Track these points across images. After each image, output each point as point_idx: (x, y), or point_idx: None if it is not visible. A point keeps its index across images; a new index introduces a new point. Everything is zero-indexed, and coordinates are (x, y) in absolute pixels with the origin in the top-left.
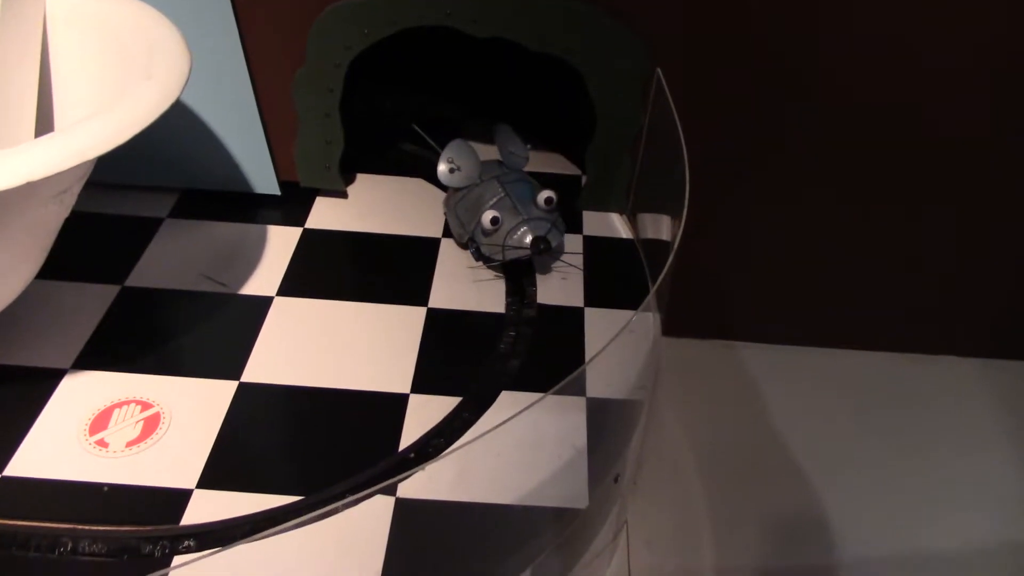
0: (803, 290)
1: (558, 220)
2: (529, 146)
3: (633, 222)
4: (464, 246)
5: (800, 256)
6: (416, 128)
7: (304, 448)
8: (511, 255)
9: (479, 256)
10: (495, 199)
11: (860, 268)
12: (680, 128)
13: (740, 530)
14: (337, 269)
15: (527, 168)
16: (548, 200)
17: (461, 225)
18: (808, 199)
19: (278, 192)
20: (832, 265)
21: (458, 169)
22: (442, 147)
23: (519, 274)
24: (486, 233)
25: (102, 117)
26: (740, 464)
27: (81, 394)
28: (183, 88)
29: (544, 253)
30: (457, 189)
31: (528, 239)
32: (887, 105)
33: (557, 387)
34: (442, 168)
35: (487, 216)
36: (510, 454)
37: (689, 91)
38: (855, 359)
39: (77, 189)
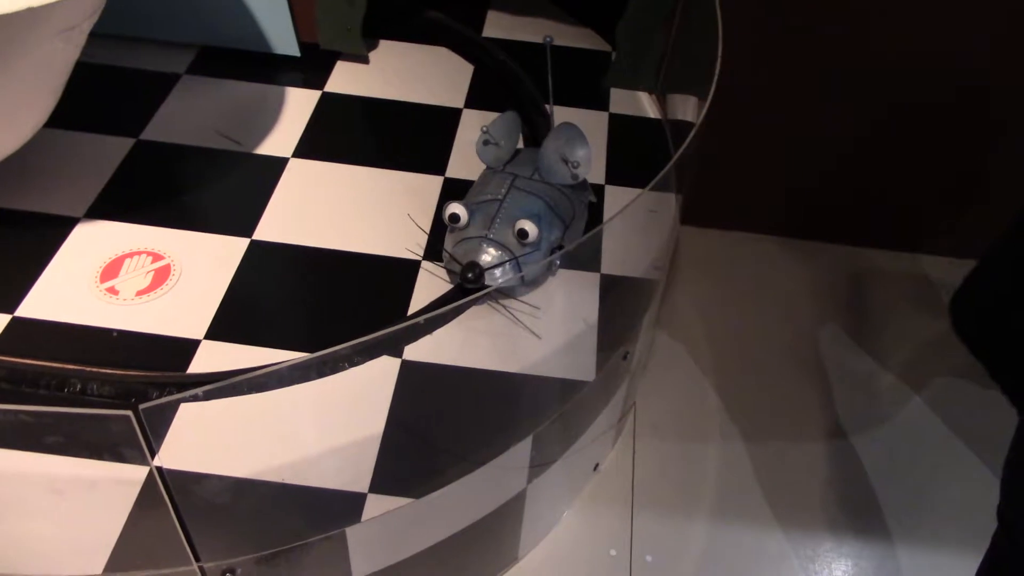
0: (830, 186)
1: (528, 258)
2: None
3: (662, 102)
4: None
5: (828, 151)
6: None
7: (313, 307)
8: (449, 265)
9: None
10: (487, 197)
11: (890, 167)
12: (717, 4)
13: (748, 420)
14: (355, 134)
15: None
16: (521, 233)
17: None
18: (843, 92)
19: (298, 53)
20: (861, 162)
21: (494, 144)
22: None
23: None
24: (447, 228)
25: None
26: (753, 355)
27: (93, 242)
28: None
29: (470, 284)
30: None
31: (466, 261)
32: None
33: (566, 248)
34: (478, 138)
35: (448, 209)
36: (517, 326)
37: None
38: (880, 258)
39: (86, 28)
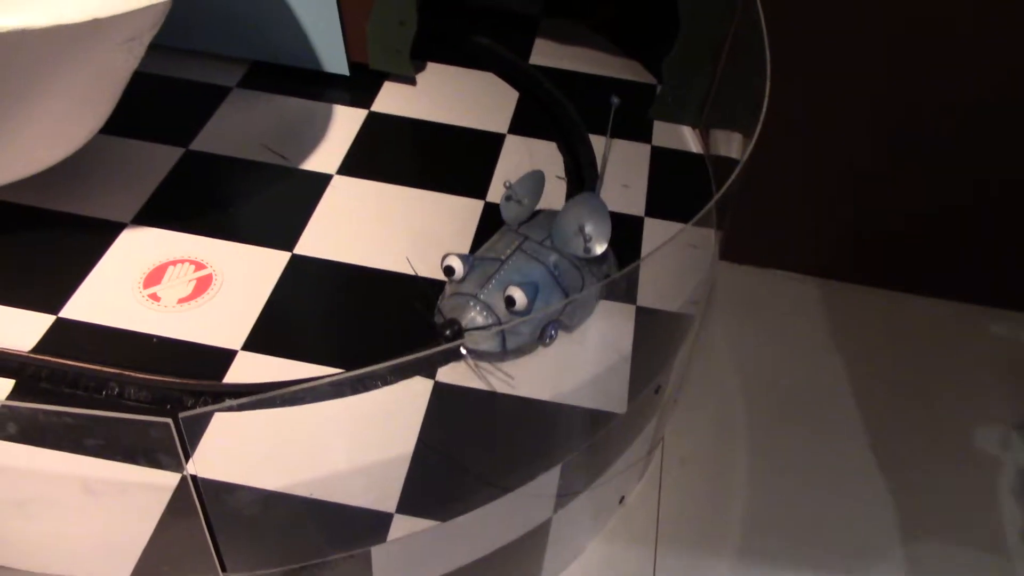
0: (871, 229)
1: (515, 328)
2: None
3: (705, 137)
4: None
5: (876, 190)
6: None
7: (350, 324)
8: (436, 317)
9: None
10: (491, 255)
11: (931, 215)
12: (767, 42)
13: (778, 461)
14: (399, 154)
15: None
16: (508, 300)
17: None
18: (895, 125)
19: (347, 72)
20: (902, 209)
21: (516, 202)
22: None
23: (579, 176)
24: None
25: None
26: (786, 397)
27: (138, 248)
28: None
29: (447, 341)
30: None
31: (449, 316)
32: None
33: (604, 282)
34: (503, 193)
35: (444, 261)
36: (553, 353)
37: (782, 3)
38: (920, 305)
39: (147, 40)
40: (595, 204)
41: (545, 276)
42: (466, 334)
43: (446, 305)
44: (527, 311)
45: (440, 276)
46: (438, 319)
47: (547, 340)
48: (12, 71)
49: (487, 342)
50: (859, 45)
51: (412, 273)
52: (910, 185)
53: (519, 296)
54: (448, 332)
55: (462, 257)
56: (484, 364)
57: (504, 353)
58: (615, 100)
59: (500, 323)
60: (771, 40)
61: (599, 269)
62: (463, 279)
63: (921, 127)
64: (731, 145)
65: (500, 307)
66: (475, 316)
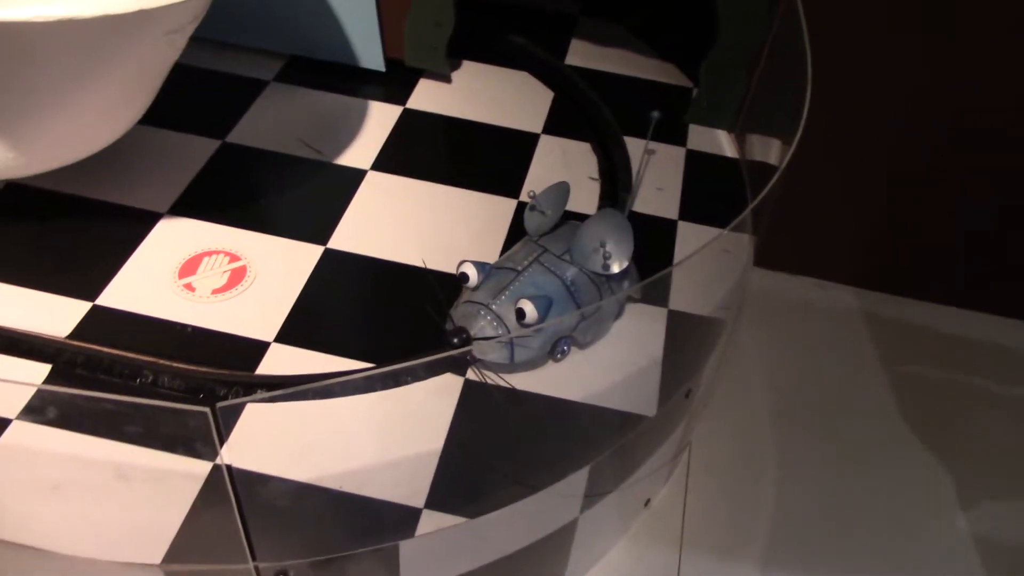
0: (908, 238)
1: (524, 341)
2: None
3: (741, 142)
4: None
5: (909, 202)
6: None
7: (382, 319)
8: (448, 323)
9: None
10: (508, 265)
11: (972, 224)
12: (808, 47)
13: (804, 470)
14: (433, 151)
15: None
16: (519, 312)
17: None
18: (938, 132)
19: (383, 69)
20: (942, 217)
21: (540, 213)
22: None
23: (613, 177)
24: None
25: None
26: (814, 406)
27: (174, 239)
28: None
29: (452, 348)
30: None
31: (459, 324)
32: None
33: (636, 286)
34: (528, 203)
35: (461, 267)
36: (584, 354)
37: (823, 8)
38: (960, 318)
39: (188, 32)
40: (618, 221)
41: (560, 290)
42: (474, 343)
43: (457, 312)
44: (537, 324)
45: None
46: (448, 325)
47: (558, 355)
48: (57, 59)
49: (495, 352)
50: (900, 49)
51: (430, 274)
52: (950, 192)
53: (530, 309)
54: (456, 340)
55: (478, 265)
56: (490, 374)
57: (512, 365)
58: (656, 114)
59: (508, 336)
60: (811, 44)
61: (619, 286)
62: (477, 287)
63: (964, 132)
64: (767, 150)
65: (511, 319)
66: (484, 326)
